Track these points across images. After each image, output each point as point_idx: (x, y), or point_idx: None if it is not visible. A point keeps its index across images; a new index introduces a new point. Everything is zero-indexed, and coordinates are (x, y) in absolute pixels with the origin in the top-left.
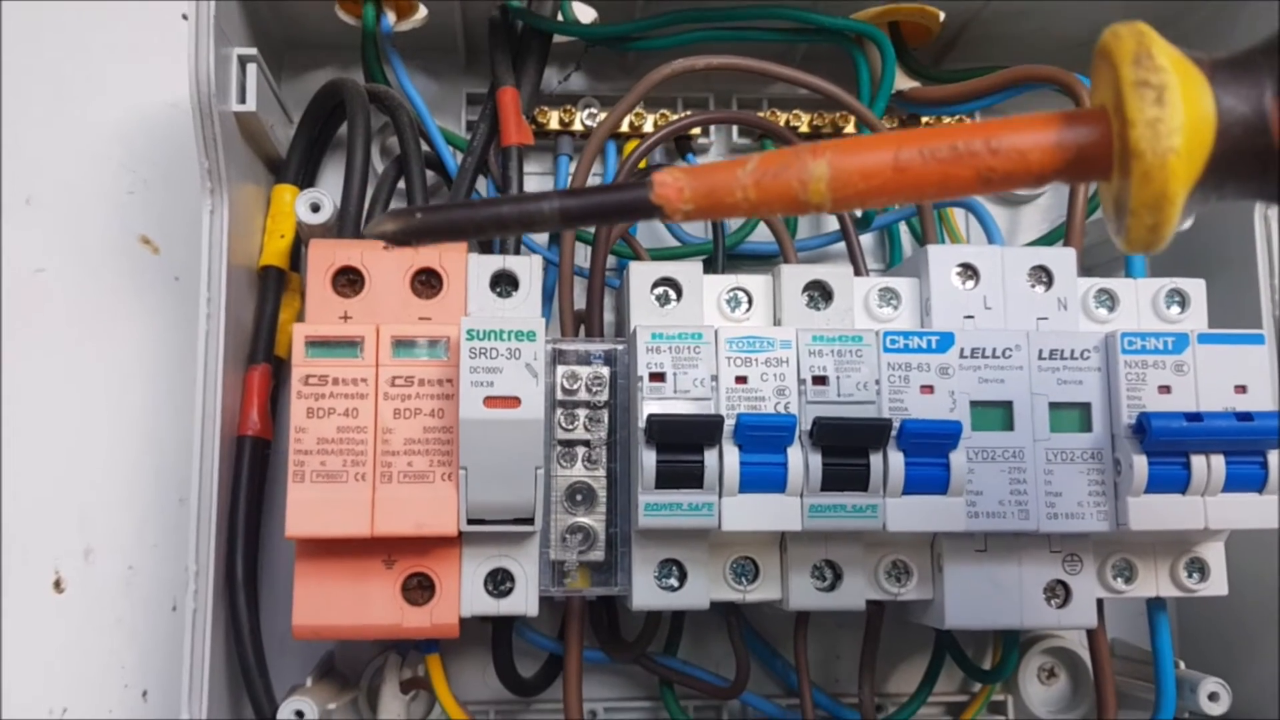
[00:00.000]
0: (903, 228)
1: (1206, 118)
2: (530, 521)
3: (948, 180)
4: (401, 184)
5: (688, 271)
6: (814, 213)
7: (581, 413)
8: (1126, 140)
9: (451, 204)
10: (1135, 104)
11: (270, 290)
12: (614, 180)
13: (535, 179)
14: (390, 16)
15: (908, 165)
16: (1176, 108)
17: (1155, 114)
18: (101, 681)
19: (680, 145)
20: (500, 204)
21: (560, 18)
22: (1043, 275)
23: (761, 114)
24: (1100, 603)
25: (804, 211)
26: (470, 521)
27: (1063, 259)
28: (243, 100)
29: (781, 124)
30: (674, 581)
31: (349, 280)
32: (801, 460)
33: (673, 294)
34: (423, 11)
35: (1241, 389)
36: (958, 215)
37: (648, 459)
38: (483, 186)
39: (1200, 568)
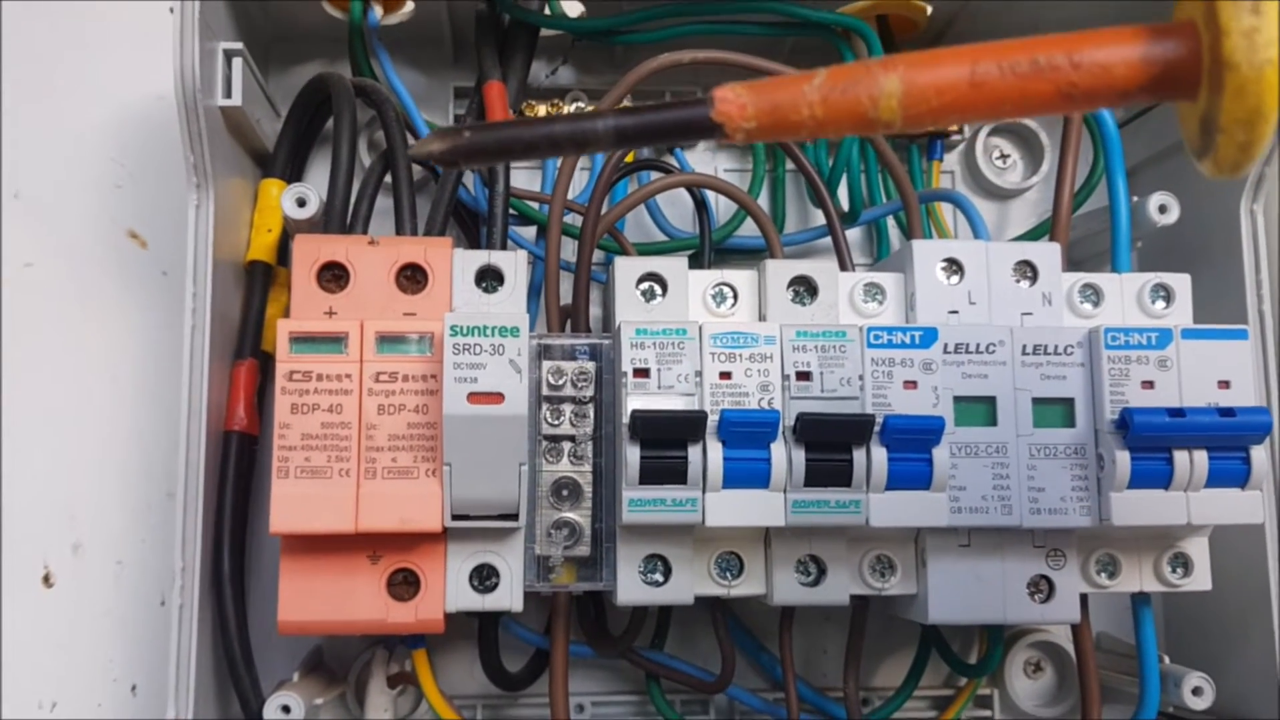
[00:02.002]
0: (890, 222)
1: None
2: (514, 518)
3: (1027, 96)
4: (388, 178)
5: (673, 267)
6: (883, 131)
7: (567, 408)
8: (1219, 52)
9: (501, 123)
10: (1230, 12)
11: (257, 285)
12: (666, 106)
13: (522, 173)
14: (377, 10)
15: (985, 80)
16: (1274, 16)
17: (1252, 23)
18: (90, 676)
19: None
20: (553, 123)
21: (547, 11)
22: (1027, 270)
23: None
24: (1084, 598)
25: (873, 130)
26: (454, 517)
27: (1048, 254)
28: (228, 95)
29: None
30: (659, 577)
31: (334, 275)
32: (785, 456)
33: (658, 289)
34: (410, 5)
35: (1225, 384)
36: (945, 210)
37: (632, 455)
38: (469, 181)
39: (1184, 563)
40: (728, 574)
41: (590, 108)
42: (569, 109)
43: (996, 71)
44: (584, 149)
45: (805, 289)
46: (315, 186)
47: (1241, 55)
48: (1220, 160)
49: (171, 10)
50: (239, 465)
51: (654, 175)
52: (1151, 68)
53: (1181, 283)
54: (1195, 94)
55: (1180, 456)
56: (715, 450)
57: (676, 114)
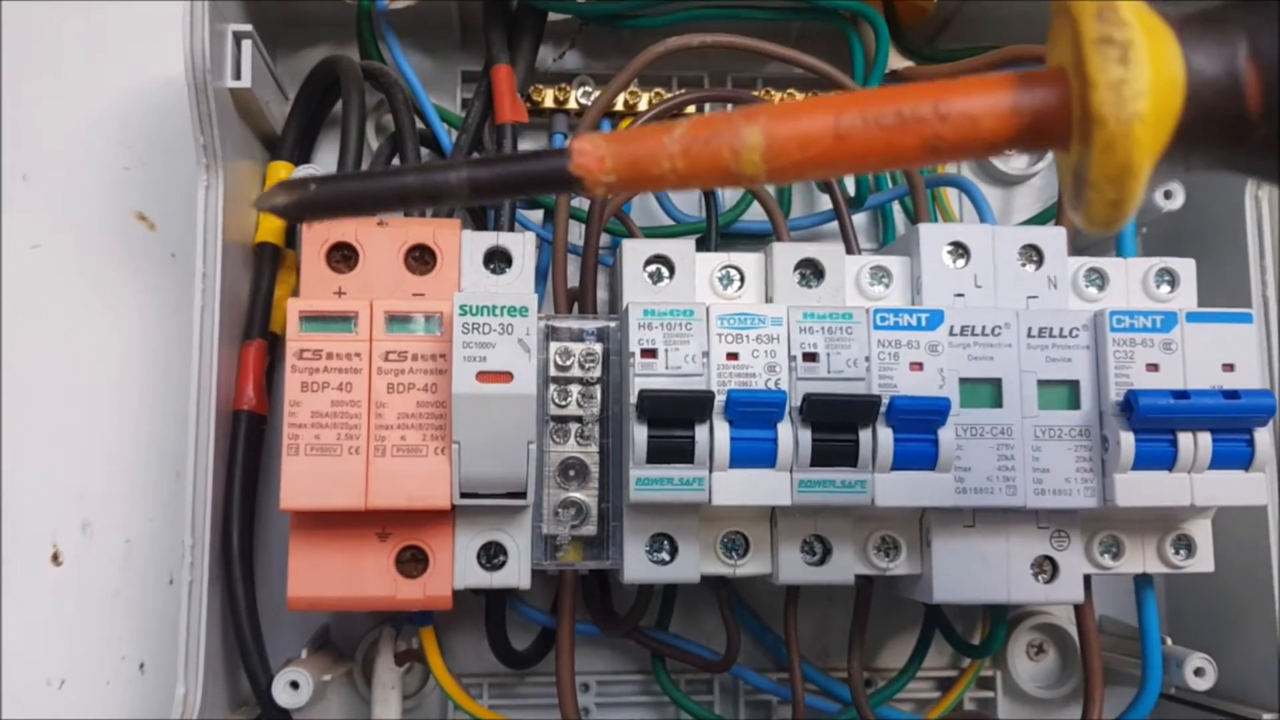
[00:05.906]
0: (895, 206)
1: (1174, 80)
2: (522, 495)
3: (892, 150)
4: (396, 160)
5: (680, 249)
6: (748, 185)
7: (574, 389)
8: (1087, 104)
9: (350, 174)
10: (1097, 63)
11: (265, 266)
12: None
13: None
14: None
15: (849, 133)
16: (1142, 68)
17: (1119, 75)
18: (99, 653)
19: None
20: (404, 174)
21: None
22: (1033, 254)
23: (756, 92)
24: (1087, 579)
25: (737, 184)
26: (463, 495)
27: (1053, 238)
28: (238, 77)
29: (775, 103)
30: (665, 555)
31: (343, 256)
32: (791, 436)
33: (665, 271)
34: None
35: (1229, 367)
36: (951, 194)
37: (639, 434)
38: None
39: (1187, 544)
40: (733, 553)
41: (597, 93)
42: (576, 93)
43: (861, 124)
44: (437, 201)
45: (812, 272)
46: (323, 169)
47: (1109, 109)
48: (1092, 216)
49: None
50: (248, 444)
51: None
52: (1020, 119)
53: (1186, 268)
54: (1067, 145)
55: (1184, 438)
56: (722, 430)
57: (534, 165)
